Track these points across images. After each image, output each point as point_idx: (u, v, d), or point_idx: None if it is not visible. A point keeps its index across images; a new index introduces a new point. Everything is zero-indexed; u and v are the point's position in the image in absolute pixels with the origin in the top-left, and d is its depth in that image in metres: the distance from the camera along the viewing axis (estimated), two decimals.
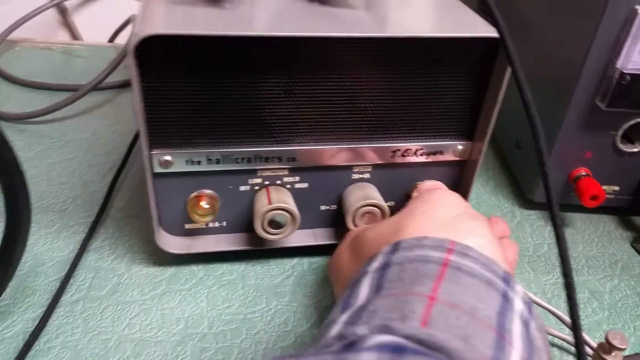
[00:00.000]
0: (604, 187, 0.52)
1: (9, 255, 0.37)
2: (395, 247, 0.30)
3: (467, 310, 0.25)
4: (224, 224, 0.45)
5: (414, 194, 0.42)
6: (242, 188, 0.43)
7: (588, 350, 0.39)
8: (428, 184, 0.44)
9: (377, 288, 0.27)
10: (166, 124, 0.38)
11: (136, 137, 0.60)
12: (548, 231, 0.53)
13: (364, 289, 0.27)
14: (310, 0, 0.41)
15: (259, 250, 0.46)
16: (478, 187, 0.59)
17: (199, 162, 0.40)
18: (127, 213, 0.51)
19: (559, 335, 0.41)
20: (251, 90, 0.38)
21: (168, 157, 0.39)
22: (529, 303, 0.28)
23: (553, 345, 0.41)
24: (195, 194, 0.42)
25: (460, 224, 0.32)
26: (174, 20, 0.36)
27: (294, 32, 0.35)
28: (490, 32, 0.37)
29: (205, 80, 0.37)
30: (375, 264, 0.29)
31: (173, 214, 0.43)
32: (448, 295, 0.25)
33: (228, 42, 0.36)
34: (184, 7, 0.38)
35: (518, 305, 0.27)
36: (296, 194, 0.44)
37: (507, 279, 0.28)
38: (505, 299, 0.26)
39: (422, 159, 0.44)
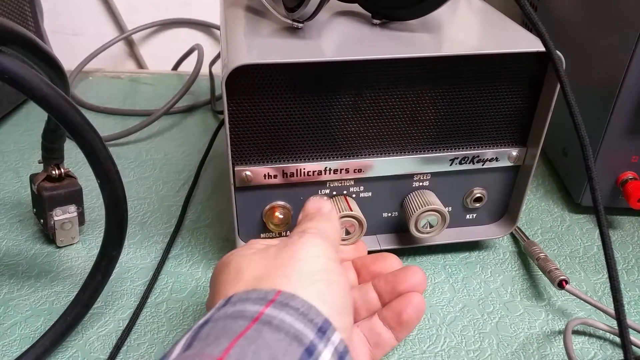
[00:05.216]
0: None
1: (107, 260, 0.41)
2: (227, 301, 0.28)
3: None
4: None
5: (300, 216, 0.39)
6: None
7: (637, 341, 0.41)
8: (311, 205, 0.39)
9: (187, 347, 0.26)
10: (247, 142, 0.42)
11: (204, 157, 0.65)
12: (597, 234, 0.55)
13: (178, 348, 0.26)
14: (373, 25, 0.45)
15: None
16: (528, 193, 0.60)
17: (275, 176, 0.44)
18: (201, 224, 0.55)
19: (609, 329, 0.43)
20: (323, 109, 0.42)
21: (248, 172, 0.43)
22: (343, 353, 0.27)
23: (604, 339, 0.43)
24: (270, 205, 0.46)
25: (309, 275, 0.30)
26: (255, 51, 0.40)
27: (361, 55, 0.38)
28: (540, 46, 0.40)
29: (282, 102, 0.41)
30: (201, 320, 0.28)
31: (251, 224, 0.47)
32: (238, 356, 0.24)
33: (303, 67, 0.39)
34: (262, 39, 0.42)
35: (324, 358, 0.26)
36: (360, 202, 0.47)
37: (324, 329, 0.27)
38: (308, 353, 0.25)
39: (479, 165, 0.46)
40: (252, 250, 0.33)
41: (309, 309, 0.27)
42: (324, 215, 0.37)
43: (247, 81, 0.39)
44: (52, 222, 0.49)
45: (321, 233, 0.34)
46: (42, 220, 0.51)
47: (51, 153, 0.47)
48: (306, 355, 0.25)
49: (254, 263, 0.32)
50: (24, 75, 0.29)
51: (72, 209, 0.50)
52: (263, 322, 0.26)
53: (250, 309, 0.27)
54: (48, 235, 0.52)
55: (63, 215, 0.49)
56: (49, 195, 0.48)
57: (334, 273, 0.31)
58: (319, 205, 0.39)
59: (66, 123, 0.32)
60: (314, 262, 0.31)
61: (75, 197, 0.50)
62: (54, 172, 0.48)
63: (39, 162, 0.49)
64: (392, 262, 0.40)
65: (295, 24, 0.42)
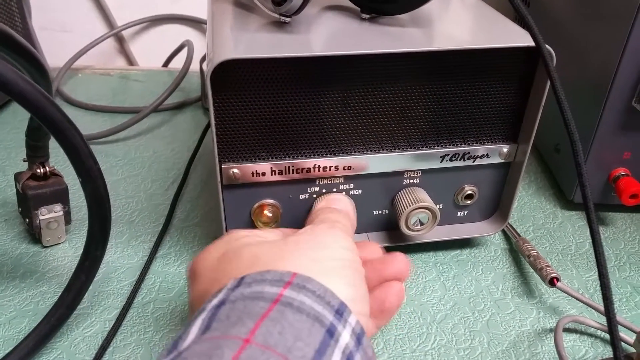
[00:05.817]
0: None
1: (91, 260, 0.40)
2: (240, 282, 0.28)
3: (280, 352, 0.24)
4: None
5: (318, 200, 0.42)
6: (302, 196, 0.45)
7: (628, 338, 0.41)
8: (333, 198, 0.43)
9: (205, 329, 0.25)
10: (234, 139, 0.41)
11: (194, 155, 0.64)
12: (589, 230, 0.55)
13: (194, 330, 0.25)
14: (362, 19, 0.44)
15: None
16: (520, 190, 0.60)
17: (263, 174, 0.43)
18: (189, 223, 0.54)
19: (600, 327, 0.42)
20: (311, 105, 0.41)
21: (236, 170, 0.42)
22: (361, 334, 0.28)
23: (596, 337, 0.43)
24: (259, 203, 0.45)
25: (332, 263, 0.31)
26: (241, 45, 0.39)
27: (349, 50, 0.38)
28: (530, 41, 0.39)
29: (270, 98, 0.40)
30: (215, 301, 0.27)
31: (239, 223, 0.46)
32: (265, 336, 0.24)
33: (290, 62, 0.39)
34: (249, 34, 0.41)
35: (344, 339, 0.26)
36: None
37: (340, 311, 0.28)
38: (330, 333, 0.26)
39: (469, 162, 0.46)
40: (259, 239, 0.34)
41: (325, 291, 0.28)
42: (348, 213, 0.40)
43: (233, 76, 0.39)
44: (38, 222, 0.48)
45: (347, 230, 0.37)
46: (27, 220, 0.50)
47: (36, 151, 0.47)
48: (328, 335, 0.26)
49: (272, 248, 0.32)
50: None
51: (58, 208, 0.49)
52: (284, 303, 0.26)
53: (268, 290, 0.27)
54: (34, 234, 0.51)
55: (49, 214, 0.49)
56: (34, 194, 0.47)
57: (358, 263, 0.33)
58: (343, 202, 0.43)
59: (45, 119, 0.31)
60: (343, 252, 0.32)
61: (61, 195, 0.49)
62: (38, 170, 0.47)
63: (24, 161, 0.48)
64: (374, 248, 0.40)
65: (283, 18, 0.41)
